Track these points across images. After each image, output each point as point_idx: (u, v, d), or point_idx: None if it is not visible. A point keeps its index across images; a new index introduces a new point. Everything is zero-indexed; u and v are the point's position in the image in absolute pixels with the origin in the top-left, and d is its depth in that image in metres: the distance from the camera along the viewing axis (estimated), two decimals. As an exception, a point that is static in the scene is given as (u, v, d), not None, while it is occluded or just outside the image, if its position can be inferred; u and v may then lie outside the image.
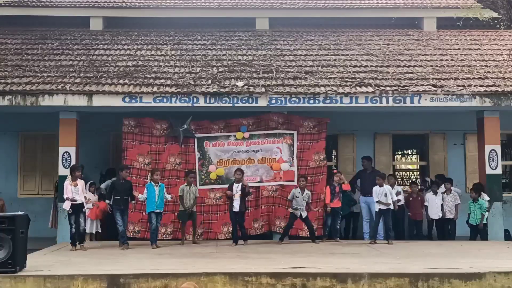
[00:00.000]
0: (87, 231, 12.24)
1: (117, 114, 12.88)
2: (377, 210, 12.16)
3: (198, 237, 12.72)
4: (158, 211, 11.55)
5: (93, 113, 12.88)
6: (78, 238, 11.05)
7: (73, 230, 10.99)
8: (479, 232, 12.79)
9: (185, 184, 12.10)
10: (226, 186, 12.77)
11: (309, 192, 12.27)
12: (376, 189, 12.19)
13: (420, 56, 14.52)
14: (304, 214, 12.14)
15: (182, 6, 16.84)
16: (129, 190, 11.62)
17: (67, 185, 11.12)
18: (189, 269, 8.61)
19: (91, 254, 10.59)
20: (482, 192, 12.78)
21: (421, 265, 9.02)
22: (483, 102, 12.39)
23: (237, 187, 11.98)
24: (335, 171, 13.38)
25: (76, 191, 11.06)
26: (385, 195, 12.04)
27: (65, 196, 11.13)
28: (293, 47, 14.99)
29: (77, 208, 11.08)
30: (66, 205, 11.10)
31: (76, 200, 10.98)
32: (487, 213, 12.63)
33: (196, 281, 8.11)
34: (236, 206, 11.89)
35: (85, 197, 11.45)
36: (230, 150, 13.08)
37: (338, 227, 12.50)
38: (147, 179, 12.43)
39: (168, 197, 11.84)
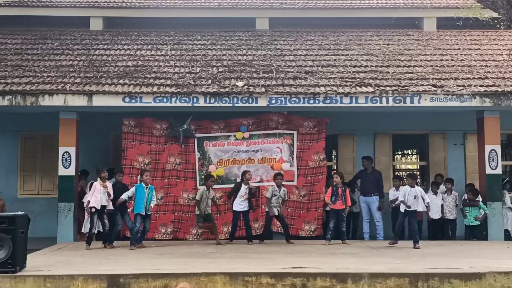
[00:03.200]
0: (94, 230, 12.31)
1: (117, 114, 12.88)
2: (402, 211, 11.52)
3: (198, 237, 12.77)
4: (146, 214, 11.27)
5: (93, 113, 12.88)
6: (90, 241, 11.18)
7: (94, 230, 11.13)
8: (474, 234, 12.83)
9: (205, 188, 11.99)
10: (226, 186, 12.83)
11: (285, 190, 12.21)
12: (406, 189, 11.55)
13: (420, 56, 14.52)
14: (280, 213, 12.03)
15: (182, 6, 16.84)
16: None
17: (96, 184, 11.18)
18: (189, 269, 8.61)
19: (91, 254, 10.59)
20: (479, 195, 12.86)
21: (421, 265, 9.01)
22: (483, 102, 12.39)
23: (245, 189, 12.06)
24: (334, 172, 13.33)
25: (104, 192, 11.13)
26: (415, 197, 11.41)
27: (88, 197, 11.19)
28: (293, 47, 14.99)
29: (102, 209, 11.15)
30: (96, 204, 11.04)
31: (104, 201, 11.09)
32: (487, 212, 12.65)
33: (196, 281, 8.13)
34: (244, 206, 12.01)
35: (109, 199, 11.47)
36: (230, 150, 13.08)
37: (344, 229, 12.04)
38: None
39: (155, 199, 11.66)
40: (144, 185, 11.32)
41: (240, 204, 12.06)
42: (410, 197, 11.43)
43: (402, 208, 11.54)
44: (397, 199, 12.02)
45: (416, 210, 11.55)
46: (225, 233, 12.71)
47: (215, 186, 12.65)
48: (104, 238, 11.37)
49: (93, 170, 13.54)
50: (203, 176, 12.87)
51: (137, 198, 11.26)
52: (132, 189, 11.35)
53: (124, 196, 11.29)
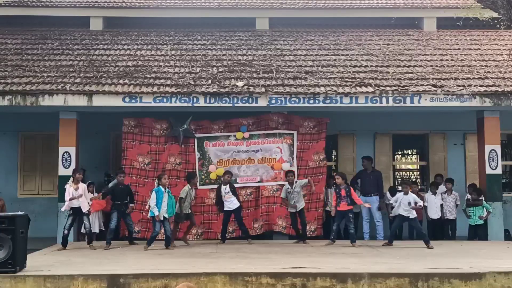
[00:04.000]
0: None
1: (117, 114, 12.87)
2: (397, 214, 11.68)
3: (198, 237, 12.75)
4: (167, 217, 11.20)
5: (93, 113, 12.87)
6: (86, 239, 11.36)
7: (65, 232, 11.19)
8: (477, 233, 12.83)
9: (189, 186, 11.92)
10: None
11: (299, 181, 12.22)
12: (399, 196, 11.64)
13: (420, 56, 14.52)
14: (300, 207, 12.03)
15: (182, 6, 16.84)
16: (127, 194, 11.80)
17: (68, 187, 11.27)
18: (189, 269, 8.61)
19: (91, 254, 10.59)
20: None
21: (421, 265, 9.02)
22: (483, 102, 12.39)
23: (225, 189, 12.07)
24: (335, 174, 13.29)
25: (76, 194, 11.18)
26: (409, 203, 11.45)
27: (66, 198, 11.29)
28: (293, 47, 14.98)
29: (77, 211, 11.20)
30: (66, 207, 11.31)
31: (75, 203, 11.13)
32: (491, 210, 12.66)
33: (196, 281, 8.12)
34: (232, 205, 11.99)
35: (90, 199, 11.60)
36: (230, 150, 13.08)
37: (353, 231, 11.65)
38: (146, 179, 12.46)
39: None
40: (162, 189, 11.16)
41: (227, 203, 12.04)
42: (403, 204, 11.48)
43: (397, 212, 11.70)
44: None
45: (414, 217, 11.63)
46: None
47: (215, 186, 12.66)
48: (89, 239, 11.39)
49: (93, 170, 13.63)
50: (203, 176, 12.88)
51: (158, 203, 11.03)
52: (153, 195, 11.13)
53: (152, 205, 11.04)
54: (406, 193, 11.57)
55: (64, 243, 11.19)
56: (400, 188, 12.05)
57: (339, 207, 11.73)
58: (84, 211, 11.27)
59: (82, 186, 11.37)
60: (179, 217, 11.84)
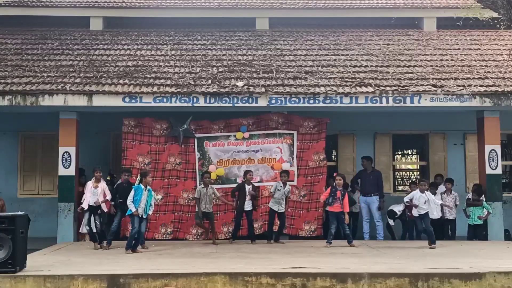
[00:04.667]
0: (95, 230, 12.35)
1: (117, 114, 12.88)
2: (416, 215, 11.65)
3: (198, 237, 12.75)
4: (144, 216, 10.88)
5: (93, 113, 12.87)
6: (95, 238, 11.24)
7: (87, 228, 11.19)
8: (476, 233, 12.83)
9: (202, 185, 11.95)
10: (226, 186, 12.79)
11: (289, 188, 12.23)
12: (416, 194, 11.57)
13: (420, 56, 14.52)
14: (282, 209, 12.03)
15: (182, 6, 16.84)
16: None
17: (89, 184, 11.31)
18: (189, 269, 8.60)
19: (91, 254, 10.59)
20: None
21: (421, 265, 9.01)
22: (483, 102, 12.39)
23: (249, 189, 12.09)
24: (336, 174, 13.27)
25: (95, 192, 11.17)
26: (424, 202, 11.43)
27: (85, 196, 11.30)
28: (293, 47, 14.99)
29: (93, 208, 11.18)
30: (84, 204, 11.24)
31: (95, 201, 11.14)
32: (491, 211, 12.66)
33: (196, 281, 8.13)
34: (249, 206, 12.08)
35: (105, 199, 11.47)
36: (230, 150, 13.08)
37: (348, 232, 11.63)
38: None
39: (159, 197, 11.54)
40: (143, 186, 10.88)
41: (248, 204, 12.08)
42: (421, 202, 11.46)
43: (416, 212, 11.63)
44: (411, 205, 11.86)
45: (427, 212, 11.53)
46: (225, 233, 12.73)
47: (215, 186, 12.65)
48: (96, 238, 11.35)
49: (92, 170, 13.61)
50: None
51: (135, 200, 10.78)
52: (132, 192, 10.86)
53: (129, 202, 10.82)
54: (422, 191, 11.55)
55: (94, 238, 11.19)
56: (423, 185, 11.73)
57: (331, 207, 11.62)
58: (105, 211, 11.28)
59: (102, 185, 11.33)
60: (197, 216, 11.88)
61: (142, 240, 11.17)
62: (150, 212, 11.10)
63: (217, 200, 12.31)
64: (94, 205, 11.16)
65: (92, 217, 11.17)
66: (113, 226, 11.41)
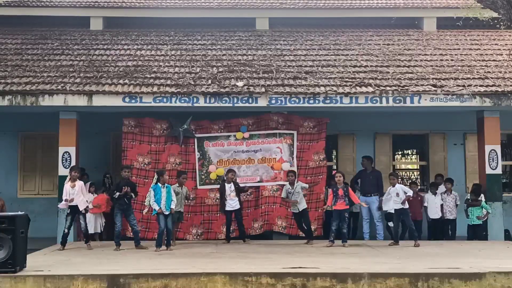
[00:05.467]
0: (93, 231, 12.39)
1: (117, 114, 12.87)
2: (392, 211, 11.81)
3: (198, 237, 12.74)
4: (166, 213, 11.02)
5: (93, 113, 12.87)
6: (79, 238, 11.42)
7: (66, 231, 11.17)
8: (475, 233, 12.82)
9: (177, 185, 11.77)
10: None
11: (300, 183, 12.22)
12: (388, 189, 11.85)
13: (420, 56, 14.52)
14: (301, 207, 12.03)
15: (182, 6, 16.85)
16: (132, 191, 11.56)
17: (66, 185, 11.30)
18: (189, 269, 8.61)
19: (91, 254, 10.59)
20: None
21: (421, 265, 9.01)
22: (483, 102, 12.39)
23: (230, 187, 12.06)
24: (334, 172, 13.30)
25: (73, 192, 11.15)
26: (397, 194, 11.63)
27: (63, 197, 11.29)
28: (293, 47, 14.99)
29: (75, 210, 11.18)
30: (62, 205, 11.34)
31: (72, 201, 11.10)
32: (490, 211, 12.66)
33: (196, 281, 8.14)
34: (235, 205, 12.04)
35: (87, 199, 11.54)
36: (230, 150, 13.08)
37: (345, 231, 11.70)
38: (146, 179, 12.44)
39: (175, 199, 11.30)
40: (160, 185, 11.05)
41: (229, 203, 12.05)
42: (393, 195, 11.66)
43: (392, 208, 11.78)
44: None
45: (406, 208, 11.72)
46: (225, 233, 12.69)
47: (215, 186, 12.68)
48: (85, 239, 11.37)
49: (93, 170, 13.61)
50: (203, 176, 12.89)
51: (156, 199, 10.99)
52: (151, 192, 11.06)
53: (151, 202, 11.00)
54: (393, 185, 11.71)
55: (63, 242, 11.19)
56: (392, 180, 11.90)
57: (335, 206, 11.69)
58: (80, 210, 11.20)
59: (79, 184, 11.31)
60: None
61: (171, 237, 11.28)
62: (173, 206, 11.15)
63: (188, 201, 12.22)
64: (75, 204, 11.14)
65: (81, 217, 11.23)
66: (116, 228, 11.36)
